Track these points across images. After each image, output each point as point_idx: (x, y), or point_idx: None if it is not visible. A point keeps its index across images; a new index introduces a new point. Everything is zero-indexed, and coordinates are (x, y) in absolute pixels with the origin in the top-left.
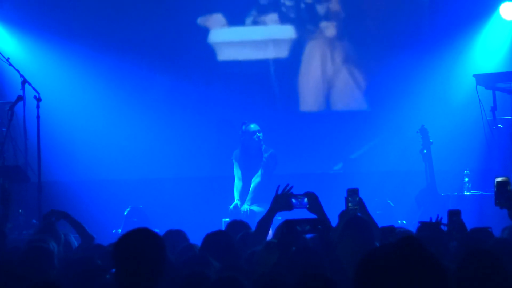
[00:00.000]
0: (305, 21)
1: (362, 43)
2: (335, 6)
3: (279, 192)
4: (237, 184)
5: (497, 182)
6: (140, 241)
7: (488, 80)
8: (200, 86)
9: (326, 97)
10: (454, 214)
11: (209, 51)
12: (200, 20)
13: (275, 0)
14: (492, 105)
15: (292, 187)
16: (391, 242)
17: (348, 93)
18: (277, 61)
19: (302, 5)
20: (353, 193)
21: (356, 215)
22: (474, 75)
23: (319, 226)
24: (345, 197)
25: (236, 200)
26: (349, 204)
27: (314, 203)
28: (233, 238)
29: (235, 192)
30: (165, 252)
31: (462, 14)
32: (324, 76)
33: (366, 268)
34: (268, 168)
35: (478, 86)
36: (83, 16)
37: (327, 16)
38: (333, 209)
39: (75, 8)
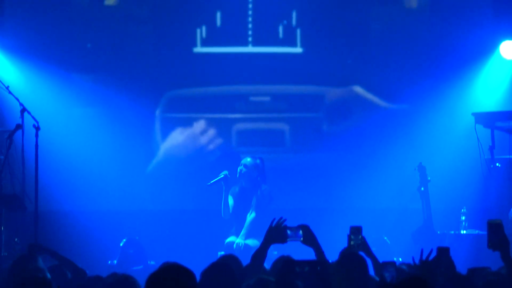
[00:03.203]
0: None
1: (360, 81)
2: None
3: (273, 224)
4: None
5: (490, 224)
6: (175, 278)
7: (487, 119)
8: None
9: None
10: (443, 252)
11: (205, 84)
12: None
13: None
14: (490, 144)
15: (285, 220)
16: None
17: (346, 129)
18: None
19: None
20: (356, 231)
21: (355, 252)
22: (473, 114)
23: (318, 268)
24: (347, 234)
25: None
26: (351, 242)
27: (308, 235)
28: (233, 271)
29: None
30: None
31: (462, 52)
32: None
33: None
34: (261, 205)
35: (477, 125)
36: (83, 48)
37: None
38: (330, 244)
39: (75, 40)
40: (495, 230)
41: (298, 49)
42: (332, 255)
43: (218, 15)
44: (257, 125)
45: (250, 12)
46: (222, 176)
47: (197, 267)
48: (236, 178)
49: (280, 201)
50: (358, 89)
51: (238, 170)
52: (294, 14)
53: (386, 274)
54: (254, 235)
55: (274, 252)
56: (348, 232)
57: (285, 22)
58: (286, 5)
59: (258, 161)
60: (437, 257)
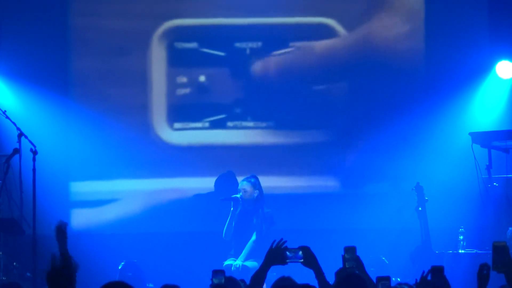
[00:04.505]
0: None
1: (358, 101)
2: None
3: (273, 246)
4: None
5: (495, 246)
6: None
7: (484, 138)
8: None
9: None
10: (437, 271)
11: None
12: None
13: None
14: (487, 163)
15: (285, 241)
16: None
17: (344, 150)
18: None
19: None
20: (350, 251)
21: (353, 272)
22: (470, 133)
23: None
24: (342, 255)
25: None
26: (346, 262)
27: (308, 257)
28: None
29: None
30: None
31: (459, 73)
32: None
33: None
34: (262, 228)
35: (474, 144)
36: (79, 73)
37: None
38: (331, 266)
39: (71, 65)
40: (500, 253)
41: None
42: (332, 277)
43: None
44: (255, 149)
45: None
46: (235, 196)
47: None
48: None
49: (279, 223)
50: (352, 109)
51: (239, 196)
52: None
53: None
54: (254, 257)
55: (273, 273)
56: (341, 251)
57: None
58: None
59: (252, 180)
60: (431, 276)
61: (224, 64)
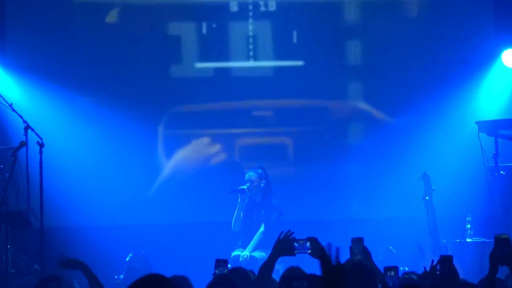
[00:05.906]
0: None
1: (363, 91)
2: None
3: (281, 237)
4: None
5: (497, 239)
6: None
7: (490, 127)
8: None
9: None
10: (446, 260)
11: (208, 100)
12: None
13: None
14: (494, 152)
15: (293, 232)
16: None
17: (350, 140)
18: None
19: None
20: (357, 242)
21: (361, 262)
22: (476, 122)
23: (317, 282)
24: (349, 246)
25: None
26: (354, 254)
27: (316, 247)
28: (236, 285)
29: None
30: None
31: (465, 62)
32: None
33: None
34: (270, 219)
35: (480, 133)
36: (85, 65)
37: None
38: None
39: (77, 57)
40: (502, 245)
41: (299, 63)
42: None
43: (220, 31)
44: (260, 140)
45: (251, 27)
46: (241, 188)
47: (203, 281)
48: (248, 195)
49: (286, 214)
50: (360, 99)
51: (246, 187)
52: (294, 30)
53: (388, 279)
54: (262, 247)
55: (281, 264)
56: (350, 243)
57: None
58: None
59: (259, 171)
60: (440, 265)
61: None
